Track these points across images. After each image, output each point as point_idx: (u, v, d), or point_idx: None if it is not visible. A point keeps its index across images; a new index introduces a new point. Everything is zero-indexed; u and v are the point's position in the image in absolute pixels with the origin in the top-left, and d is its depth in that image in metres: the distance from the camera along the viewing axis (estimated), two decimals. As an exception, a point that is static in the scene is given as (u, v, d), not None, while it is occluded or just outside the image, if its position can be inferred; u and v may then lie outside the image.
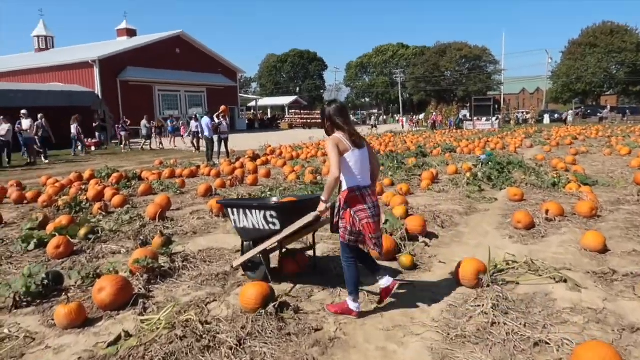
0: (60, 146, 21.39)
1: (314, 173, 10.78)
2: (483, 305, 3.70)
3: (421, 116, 54.53)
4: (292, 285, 4.38)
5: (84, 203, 8.34)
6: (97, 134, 24.36)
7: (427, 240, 5.67)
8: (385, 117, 65.80)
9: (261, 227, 4.29)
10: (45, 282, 4.29)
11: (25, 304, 4.09)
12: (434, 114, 45.17)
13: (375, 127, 41.47)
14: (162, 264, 4.77)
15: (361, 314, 3.71)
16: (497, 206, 7.81)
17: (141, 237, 5.98)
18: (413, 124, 48.01)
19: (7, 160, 16.53)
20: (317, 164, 14.46)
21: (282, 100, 67.05)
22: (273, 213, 4.19)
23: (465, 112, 50.87)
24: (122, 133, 23.50)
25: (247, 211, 4.36)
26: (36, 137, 17.25)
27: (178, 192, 9.94)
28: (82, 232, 6.08)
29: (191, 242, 6.05)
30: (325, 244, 5.76)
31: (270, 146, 20.71)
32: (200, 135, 20.90)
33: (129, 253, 5.60)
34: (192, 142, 22.01)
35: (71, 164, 17.57)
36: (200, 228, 6.74)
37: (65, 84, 32.21)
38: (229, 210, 4.55)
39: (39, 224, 6.88)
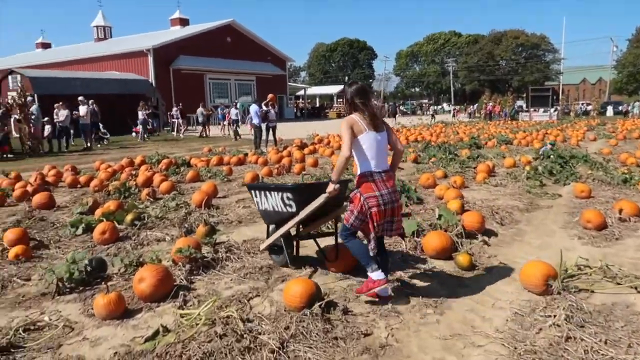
0: (116, 132, 22.05)
1: (362, 163, 10.46)
2: (555, 315, 3.28)
3: (474, 106, 52.71)
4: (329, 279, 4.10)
5: (132, 188, 8.39)
6: (150, 121, 24.89)
7: (486, 239, 5.23)
8: (435, 107, 64.01)
9: (280, 209, 4.24)
10: (89, 269, 4.22)
11: (67, 290, 4.02)
12: (490, 104, 43.40)
13: (434, 117, 40.31)
14: (205, 254, 4.61)
15: (389, 290, 3.60)
16: (561, 203, 7.21)
17: (186, 225, 5.87)
18: (465, 114, 46.37)
19: (65, 145, 17.13)
20: (366, 154, 14.07)
21: (330, 89, 66.68)
22: (289, 195, 4.09)
23: (521, 103, 48.83)
24: (177, 120, 23.90)
25: (267, 193, 4.32)
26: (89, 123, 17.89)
27: (225, 179, 9.87)
28: (129, 218, 6.04)
29: (236, 231, 5.89)
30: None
31: (317, 135, 20.46)
32: (247, 123, 21.07)
33: (173, 241, 5.49)
34: (234, 130, 21.93)
35: (125, 149, 18.02)
36: (246, 217, 6.57)
37: (121, 72, 33.22)
38: (252, 192, 4.54)
39: (88, 208, 6.94)
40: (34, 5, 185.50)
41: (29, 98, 16.93)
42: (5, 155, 14.87)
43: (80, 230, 5.74)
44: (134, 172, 10.38)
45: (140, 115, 21.91)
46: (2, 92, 24.27)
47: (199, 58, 36.40)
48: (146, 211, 6.83)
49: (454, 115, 46.19)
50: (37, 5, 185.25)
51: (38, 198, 7.33)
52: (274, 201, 4.25)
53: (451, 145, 15.15)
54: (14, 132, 16.44)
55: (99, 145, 18.20)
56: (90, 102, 19.46)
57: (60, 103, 17.00)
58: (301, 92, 58.06)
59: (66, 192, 9.16)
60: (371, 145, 3.41)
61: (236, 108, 21.36)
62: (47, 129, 16.91)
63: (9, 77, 24.24)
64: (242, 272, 4.35)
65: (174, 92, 33.76)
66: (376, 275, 3.49)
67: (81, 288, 4.07)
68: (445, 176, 9.70)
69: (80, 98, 17.54)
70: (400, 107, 61.22)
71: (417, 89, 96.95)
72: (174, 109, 24.62)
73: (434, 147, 14.41)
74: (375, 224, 3.42)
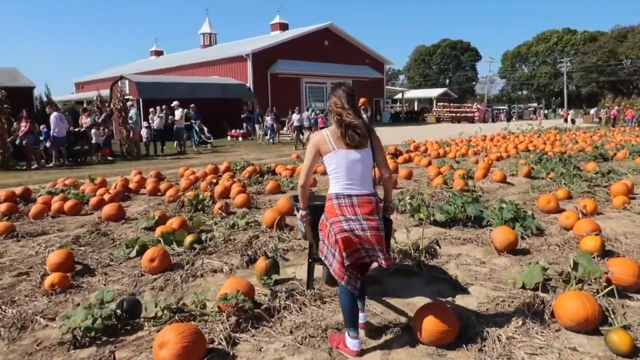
0: (214, 136, 22.32)
1: (464, 178, 8.96)
2: None
3: (592, 110, 47.42)
4: None
5: (207, 200, 7.75)
6: (244, 124, 25.05)
7: (648, 302, 3.70)
8: (546, 111, 58.83)
9: (301, 228, 4.00)
10: (118, 312, 3.44)
11: (87, 341, 3.24)
12: (615, 107, 38.50)
13: (573, 122, 36.69)
14: (259, 302, 3.65)
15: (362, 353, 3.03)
16: None
17: (249, 253, 4.97)
18: (595, 118, 41.53)
19: (161, 149, 17.43)
20: (468, 164, 12.45)
21: (430, 92, 64.13)
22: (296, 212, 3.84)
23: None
24: (272, 124, 23.68)
25: (295, 209, 4.01)
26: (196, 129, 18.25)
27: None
28: (188, 240, 5.29)
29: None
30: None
31: (414, 141, 19.01)
32: (303, 129, 20.36)
33: (232, 272, 4.63)
34: (296, 138, 20.74)
35: (217, 154, 17.98)
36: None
37: (222, 76, 34.14)
38: (295, 208, 4.15)
39: (155, 222, 6.36)
40: (148, 14, 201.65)
41: (129, 102, 17.49)
42: (105, 158, 15.35)
43: (134, 253, 5.09)
44: (214, 181, 9.86)
45: (269, 120, 22.48)
46: (113, 95, 25.77)
47: (296, 62, 36.41)
48: (212, 229, 6.09)
49: (565, 120, 41.81)
50: (151, 15, 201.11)
51: (108, 209, 6.92)
52: (298, 218, 3.90)
53: (571, 156, 12.99)
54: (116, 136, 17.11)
55: (199, 149, 18.33)
56: (191, 106, 19.79)
57: (159, 107, 17.35)
58: (399, 96, 56.34)
59: (145, 200, 8.82)
60: (339, 166, 2.97)
61: (299, 113, 20.51)
62: (145, 132, 17.34)
63: (119, 82, 25.68)
64: (302, 332, 3.30)
65: (271, 96, 33.99)
66: (351, 343, 3.02)
67: (104, 338, 3.29)
68: (570, 197, 7.95)
69: (174, 103, 17.81)
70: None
71: (525, 92, 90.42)
72: (268, 117, 24.31)
73: (550, 159, 12.40)
74: (345, 252, 2.90)
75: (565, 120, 42.05)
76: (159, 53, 56.88)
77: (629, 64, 69.21)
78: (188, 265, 4.72)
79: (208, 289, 4.14)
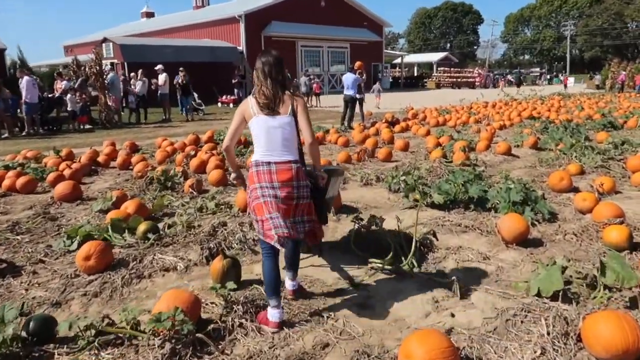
0: (203, 102, 21.27)
1: (465, 150, 8.11)
2: None
3: (597, 76, 46.06)
4: None
5: (177, 177, 6.92)
6: (235, 90, 23.95)
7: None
8: (548, 76, 57.33)
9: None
10: (23, 335, 2.68)
11: (-24, 377, 2.49)
12: (623, 72, 37.17)
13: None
14: (208, 318, 2.88)
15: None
16: None
17: (211, 245, 4.18)
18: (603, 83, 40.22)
19: (144, 116, 16.46)
20: (470, 135, 11.58)
21: (430, 56, 62.24)
22: None
23: (656, 72, 41.61)
24: None
25: None
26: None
27: (292, 166, 8.12)
28: (141, 229, 4.49)
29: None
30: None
31: (412, 108, 18.06)
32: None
33: (188, 271, 3.86)
34: None
35: (204, 122, 17.04)
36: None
37: (213, 39, 32.69)
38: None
39: (112, 203, 5.56)
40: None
41: (107, 66, 16.42)
42: (82, 127, 14.43)
43: (74, 245, 4.29)
44: (192, 153, 9.00)
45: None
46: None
47: (292, 24, 34.83)
48: (175, 213, 5.30)
49: (565, 86, 40.60)
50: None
51: (61, 188, 6.09)
52: None
53: (579, 125, 12.11)
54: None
55: (190, 116, 17.30)
56: (180, 69, 18.68)
57: (139, 72, 16.30)
58: (398, 60, 54.67)
59: (113, 175, 7.99)
60: (260, 132, 2.95)
61: (306, 76, 19.43)
62: (132, 98, 16.32)
63: (103, 45, 24.39)
64: (257, 362, 2.55)
65: (265, 60, 32.62)
66: (271, 314, 2.92)
67: (2, 371, 2.53)
68: (582, 172, 7.15)
69: (158, 66, 16.69)
70: (508, 76, 55.57)
71: (527, 57, 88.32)
72: None
73: (557, 128, 11.52)
74: (261, 217, 2.95)
75: (565, 86, 40.83)
76: (150, 15, 54.75)
77: (634, 27, 67.21)
78: (135, 263, 3.93)
79: (154, 294, 3.39)
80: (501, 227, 4.27)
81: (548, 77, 55.45)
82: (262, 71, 2.93)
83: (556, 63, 77.66)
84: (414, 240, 3.90)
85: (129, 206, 5.09)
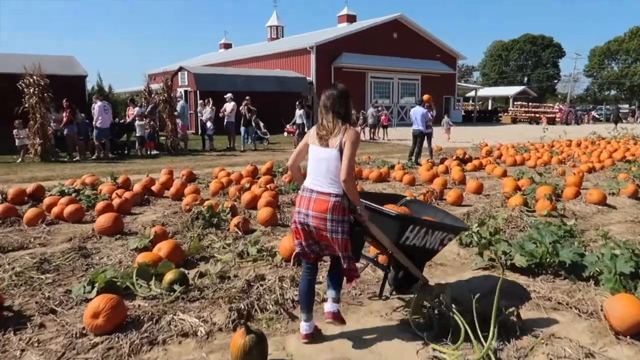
0: (271, 131, 21.27)
1: (551, 199, 7.01)
2: None
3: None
4: None
5: (225, 213, 6.42)
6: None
7: None
8: (638, 113, 52.98)
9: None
10: None
11: None
12: None
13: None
14: None
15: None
16: None
17: (241, 306, 3.54)
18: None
19: (210, 144, 16.49)
20: (554, 178, 10.32)
21: (506, 90, 59.83)
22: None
23: None
24: None
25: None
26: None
27: (351, 206, 7.41)
28: (168, 278, 3.94)
29: (323, 330, 3.39)
30: None
31: (486, 145, 16.85)
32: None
33: (210, 338, 3.23)
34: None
35: (269, 151, 16.82)
36: (356, 294, 4.02)
37: (285, 70, 33.14)
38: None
39: (150, 241, 5.11)
40: (219, 5, 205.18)
41: (178, 94, 16.72)
42: (149, 152, 14.60)
43: (94, 293, 3.80)
44: (247, 186, 8.54)
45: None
46: (173, 88, 25.49)
47: (362, 55, 34.68)
48: (214, 257, 4.73)
49: None
50: (221, 5, 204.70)
51: (102, 220, 5.75)
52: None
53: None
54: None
55: (248, 146, 17.20)
56: (246, 98, 18.80)
57: (207, 100, 16.45)
58: (472, 94, 52.97)
59: (164, 206, 7.67)
60: (310, 160, 3.12)
61: (300, 108, 18.49)
62: (209, 125, 16.38)
63: (179, 73, 25.31)
64: None
65: (334, 91, 32.52)
66: (301, 327, 3.20)
67: None
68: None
69: (227, 95, 16.78)
70: (593, 112, 52.06)
71: (614, 92, 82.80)
72: None
73: (659, 175, 10.01)
74: (296, 241, 3.19)
75: None
76: (227, 46, 57.12)
77: None
78: (150, 323, 3.34)
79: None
80: (610, 312, 3.29)
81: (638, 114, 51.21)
82: (324, 104, 3.07)
83: (647, 99, 72.10)
84: (492, 321, 3.04)
85: (162, 248, 4.58)
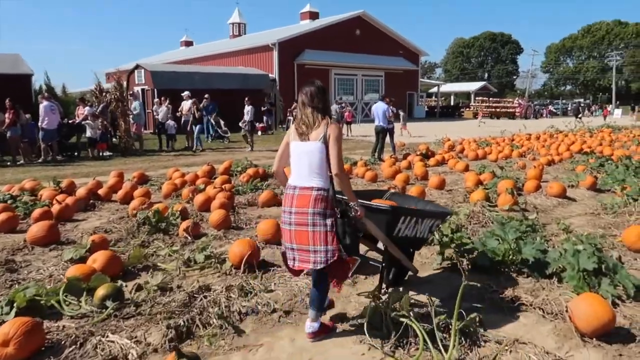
0: (233, 129, 20.68)
1: (513, 193, 6.89)
2: None
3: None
4: None
5: (174, 217, 6.00)
6: (264, 117, 23.36)
7: None
8: (594, 107, 54.78)
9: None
10: None
11: None
12: None
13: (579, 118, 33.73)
14: None
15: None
16: None
17: (180, 323, 3.18)
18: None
19: (167, 144, 15.86)
20: (515, 172, 10.30)
21: (467, 86, 60.83)
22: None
23: None
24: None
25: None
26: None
27: (310, 205, 7.10)
28: (99, 294, 3.53)
29: (266, 345, 3.07)
30: None
31: (449, 140, 16.88)
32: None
33: (142, 362, 2.85)
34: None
35: (229, 150, 16.33)
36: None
37: (248, 67, 32.54)
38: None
39: (88, 251, 4.66)
40: (179, 2, 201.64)
41: (133, 92, 16.05)
42: (101, 154, 13.89)
43: (12, 315, 3.35)
44: (202, 187, 8.12)
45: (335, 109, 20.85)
46: (130, 86, 24.55)
47: (326, 52, 34.43)
48: (159, 266, 4.34)
49: (604, 118, 38.28)
50: (182, 2, 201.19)
51: (34, 229, 5.24)
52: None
53: (642, 162, 10.66)
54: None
55: (197, 146, 16.62)
56: (205, 96, 18.25)
57: (162, 98, 15.84)
58: (434, 89, 53.61)
59: (111, 211, 7.16)
60: (292, 157, 3.08)
61: (337, 104, 18.29)
62: (172, 124, 15.70)
63: (135, 71, 24.38)
64: None
65: (297, 87, 32.17)
66: (306, 325, 3.19)
67: None
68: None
69: (184, 93, 16.18)
70: (550, 107, 53.50)
71: (569, 87, 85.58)
72: (295, 105, 22.30)
73: (616, 166, 10.13)
74: (284, 243, 3.13)
75: (604, 117, 38.56)
76: (189, 44, 55.83)
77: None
78: (73, 348, 2.94)
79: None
80: (575, 313, 3.09)
81: (593, 109, 52.93)
82: (302, 100, 3.04)
83: (600, 94, 74.75)
84: (453, 330, 2.80)
85: (97, 259, 4.16)
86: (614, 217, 6.37)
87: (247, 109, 15.87)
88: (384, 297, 3.35)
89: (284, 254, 3.17)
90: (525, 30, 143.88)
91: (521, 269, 4.23)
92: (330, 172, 2.95)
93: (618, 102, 58.12)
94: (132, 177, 9.29)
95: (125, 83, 14.49)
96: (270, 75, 30.26)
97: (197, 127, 15.27)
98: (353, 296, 3.82)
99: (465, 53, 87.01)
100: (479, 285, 3.95)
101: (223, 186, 8.03)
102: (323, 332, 3.16)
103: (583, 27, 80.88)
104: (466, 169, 10.45)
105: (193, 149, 15.26)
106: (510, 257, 4.28)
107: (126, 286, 3.93)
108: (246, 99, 16.22)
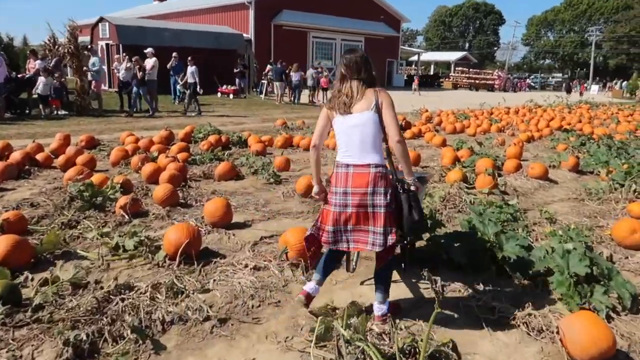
0: (204, 91, 19.59)
1: (493, 174, 6.33)
2: None
3: (624, 84, 43.74)
4: None
5: (113, 191, 5.27)
6: (237, 80, 22.26)
7: None
8: (571, 82, 54.80)
9: None
10: None
11: None
12: None
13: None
14: None
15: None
16: None
17: (82, 337, 2.53)
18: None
19: (129, 104, 14.79)
20: (494, 149, 9.77)
21: (448, 55, 59.87)
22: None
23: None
24: (299, 82, 20.85)
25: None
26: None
27: (272, 180, 6.43)
28: (-11, 293, 2.84)
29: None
30: None
31: (426, 111, 16.28)
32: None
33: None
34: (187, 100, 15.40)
35: (195, 114, 15.38)
36: (246, 299, 3.11)
37: (221, 26, 30.98)
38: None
39: (1, 230, 3.93)
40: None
41: (94, 46, 14.84)
42: (55, 112, 12.82)
43: None
44: (155, 154, 7.35)
45: (296, 77, 20.67)
46: (94, 41, 23.00)
47: (304, 14, 33.00)
48: (81, 253, 3.65)
49: (581, 94, 38.29)
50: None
51: (-60, 203, 4.46)
52: None
53: (624, 143, 10.27)
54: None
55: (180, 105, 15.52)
56: (174, 55, 17.08)
57: (123, 54, 14.68)
58: (414, 58, 52.66)
59: (49, 180, 6.36)
60: (339, 132, 2.79)
61: (314, 69, 17.32)
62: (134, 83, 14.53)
63: (99, 25, 22.79)
64: None
65: (274, 50, 30.89)
66: (307, 285, 2.94)
67: None
68: (648, 215, 5.39)
69: (147, 50, 15.00)
70: (528, 80, 53.30)
71: (548, 61, 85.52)
72: (295, 73, 21.10)
73: (598, 146, 9.71)
74: (325, 226, 2.79)
75: (581, 93, 38.52)
76: (162, -1, 53.15)
77: (664, 35, 64.49)
78: None
79: None
80: (569, 337, 2.55)
81: (571, 83, 52.99)
82: (344, 71, 2.81)
83: (578, 69, 74.97)
84: (420, 353, 2.23)
85: (1, 244, 3.43)
86: (599, 203, 5.90)
87: (190, 69, 14.73)
88: (338, 312, 2.75)
89: (309, 238, 2.88)
90: (509, 1, 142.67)
91: (502, 266, 3.68)
92: (386, 143, 2.76)
93: (598, 78, 58.36)
94: (80, 141, 8.42)
95: (78, 35, 13.17)
96: (245, 35, 28.89)
97: (143, 89, 13.80)
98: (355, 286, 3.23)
99: (448, 22, 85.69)
100: (453, 288, 3.39)
101: (178, 155, 7.27)
102: (393, 313, 2.91)
103: (566, 0, 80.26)
104: (443, 143, 9.88)
105: (131, 111, 13.84)
106: (490, 254, 3.73)
107: (32, 280, 3.25)
108: (189, 58, 15.08)
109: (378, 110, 2.71)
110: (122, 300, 2.94)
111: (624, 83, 44.13)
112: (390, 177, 2.78)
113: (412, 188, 2.80)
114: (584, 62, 71.43)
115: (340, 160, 2.79)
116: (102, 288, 3.13)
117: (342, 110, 2.75)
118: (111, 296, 2.98)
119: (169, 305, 2.97)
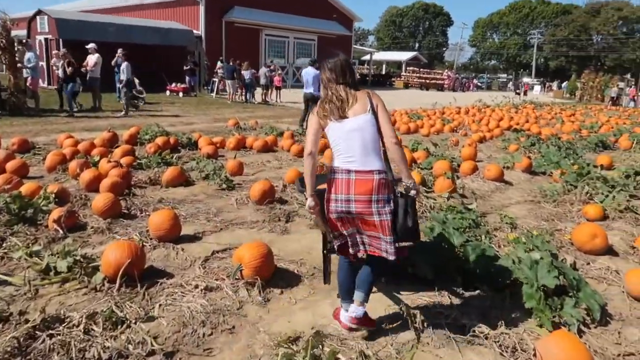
0: (152, 90, 18.77)
1: (452, 178, 6.24)
2: None
3: (564, 85, 45.78)
4: None
5: (48, 201, 4.76)
6: (187, 78, 21.52)
7: None
8: (516, 82, 56.97)
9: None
10: None
11: None
12: (630, 87, 36.54)
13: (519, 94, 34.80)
14: None
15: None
16: None
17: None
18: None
19: (70, 103, 13.88)
20: (449, 149, 9.79)
21: (399, 55, 60.76)
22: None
23: (622, 85, 41.59)
24: (252, 80, 20.20)
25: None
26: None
27: (224, 185, 6.07)
28: None
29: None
30: None
31: (380, 111, 16.23)
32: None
33: None
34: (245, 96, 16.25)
35: (144, 112, 14.66)
36: (195, 328, 2.79)
37: (170, 21, 29.94)
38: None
39: None
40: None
41: (29, 41, 13.83)
42: (-16, 112, 11.83)
43: None
44: (96, 159, 6.81)
45: (248, 75, 19.98)
46: (32, 35, 21.58)
47: (256, 11, 32.43)
48: (3, 278, 3.19)
49: (525, 94, 39.67)
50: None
51: None
52: None
53: (572, 143, 10.56)
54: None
55: (132, 107, 14.66)
56: (119, 51, 16.19)
57: (60, 51, 13.76)
58: (367, 57, 53.06)
59: (-28, 187, 5.72)
60: (336, 138, 2.71)
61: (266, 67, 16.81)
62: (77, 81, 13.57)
63: (37, 18, 21.40)
64: None
65: (225, 47, 30.17)
66: (343, 316, 2.85)
67: None
68: (604, 217, 5.44)
69: (89, 45, 14.14)
70: (475, 80, 54.89)
71: (493, 62, 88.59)
72: (247, 71, 20.43)
73: (547, 146, 9.92)
74: (334, 232, 2.80)
75: (525, 93, 40.01)
76: (106, -9, 50.95)
77: (599, 39, 68.12)
78: None
79: None
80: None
81: (515, 83, 55.02)
82: (329, 77, 2.77)
83: (522, 70, 78.01)
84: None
85: None
86: (554, 205, 5.92)
87: (123, 66, 13.99)
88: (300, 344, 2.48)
89: (341, 249, 2.83)
90: (456, 3, 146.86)
91: (468, 278, 3.53)
92: (383, 146, 2.69)
93: (542, 79, 60.84)
94: (11, 144, 7.72)
95: (11, 28, 12.19)
96: (195, 31, 28.05)
97: (69, 85, 12.90)
98: (317, 304, 2.93)
99: (398, 22, 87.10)
100: (418, 302, 3.20)
101: (122, 159, 6.76)
102: (365, 324, 2.81)
103: (510, 4, 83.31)
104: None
105: (70, 111, 12.89)
106: (456, 263, 3.57)
107: (-59, 313, 2.79)
108: (121, 53, 14.34)
109: (374, 113, 2.68)
110: (50, 336, 2.55)
111: (564, 84, 46.17)
112: (390, 181, 2.71)
113: (412, 193, 2.72)
114: (527, 64, 74.38)
115: (341, 166, 2.68)
116: (26, 321, 2.71)
117: (337, 115, 2.69)
118: (37, 332, 2.58)
119: (107, 339, 2.60)
